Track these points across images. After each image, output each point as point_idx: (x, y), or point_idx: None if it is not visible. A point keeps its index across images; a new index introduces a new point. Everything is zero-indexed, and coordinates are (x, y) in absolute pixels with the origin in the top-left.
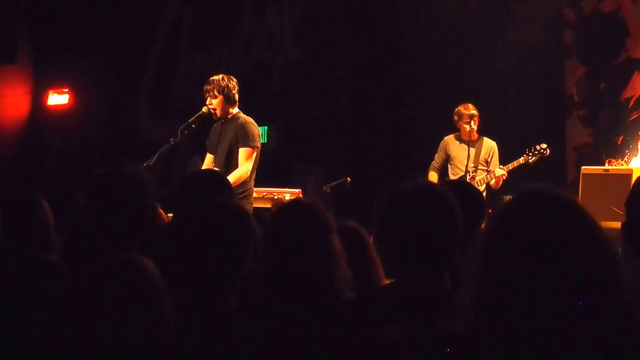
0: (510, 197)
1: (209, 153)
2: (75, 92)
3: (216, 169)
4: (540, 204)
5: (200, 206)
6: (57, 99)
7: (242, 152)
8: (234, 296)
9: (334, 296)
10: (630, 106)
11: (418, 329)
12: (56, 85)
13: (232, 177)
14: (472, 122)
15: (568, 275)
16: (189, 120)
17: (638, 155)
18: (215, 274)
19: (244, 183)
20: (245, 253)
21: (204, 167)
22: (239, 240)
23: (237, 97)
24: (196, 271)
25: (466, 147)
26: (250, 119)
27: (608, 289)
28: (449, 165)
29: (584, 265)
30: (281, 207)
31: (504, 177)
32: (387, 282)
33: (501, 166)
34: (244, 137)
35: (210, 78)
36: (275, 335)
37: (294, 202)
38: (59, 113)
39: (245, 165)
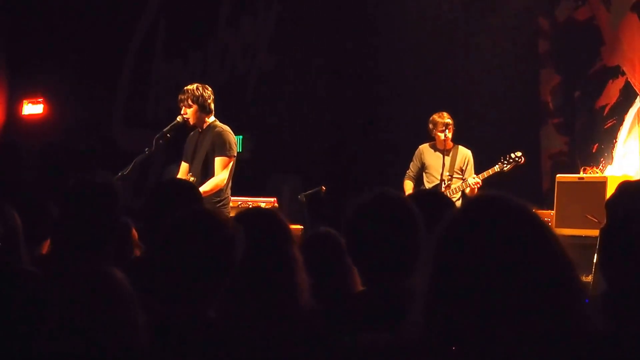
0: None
1: (184, 162)
2: (50, 101)
3: (192, 178)
4: (489, 210)
5: (191, 214)
6: (32, 108)
7: (219, 161)
8: (214, 306)
9: (293, 304)
10: (605, 114)
11: (386, 335)
12: (31, 95)
13: (208, 185)
14: (447, 130)
15: (520, 282)
16: (164, 130)
17: (613, 163)
18: (199, 284)
19: (221, 192)
20: (231, 264)
21: (179, 176)
22: (227, 251)
23: (212, 105)
24: (180, 281)
25: (441, 155)
26: (227, 128)
27: (562, 296)
28: (424, 174)
29: (536, 271)
30: (240, 215)
31: (479, 185)
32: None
33: (475, 175)
34: (220, 147)
35: (185, 87)
36: (250, 345)
37: (253, 210)
38: (34, 123)
39: (221, 174)
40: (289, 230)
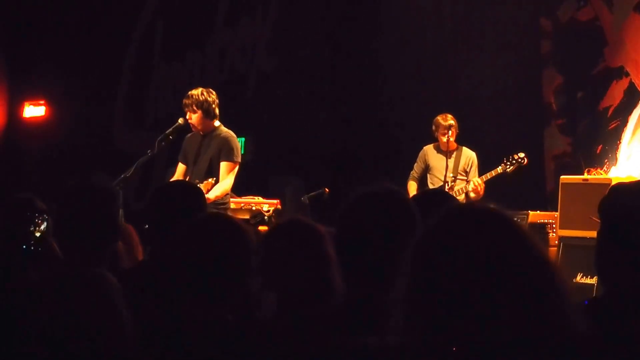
0: None
1: (182, 163)
2: (51, 103)
3: (196, 181)
4: (461, 218)
5: (205, 219)
6: (33, 110)
7: (225, 166)
8: (233, 310)
9: (326, 315)
10: (609, 115)
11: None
12: (32, 97)
13: (217, 191)
14: (450, 132)
15: (498, 287)
16: (166, 132)
17: (617, 164)
18: (215, 286)
19: (225, 195)
20: (244, 268)
21: (175, 177)
22: (240, 254)
23: (217, 110)
24: (196, 282)
25: (445, 157)
26: (232, 133)
27: (542, 299)
28: (428, 175)
29: (515, 276)
30: (278, 230)
31: (481, 188)
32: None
33: (478, 178)
34: (227, 152)
35: (189, 92)
36: (270, 349)
37: (292, 223)
38: (35, 125)
39: (227, 179)
40: (327, 241)
